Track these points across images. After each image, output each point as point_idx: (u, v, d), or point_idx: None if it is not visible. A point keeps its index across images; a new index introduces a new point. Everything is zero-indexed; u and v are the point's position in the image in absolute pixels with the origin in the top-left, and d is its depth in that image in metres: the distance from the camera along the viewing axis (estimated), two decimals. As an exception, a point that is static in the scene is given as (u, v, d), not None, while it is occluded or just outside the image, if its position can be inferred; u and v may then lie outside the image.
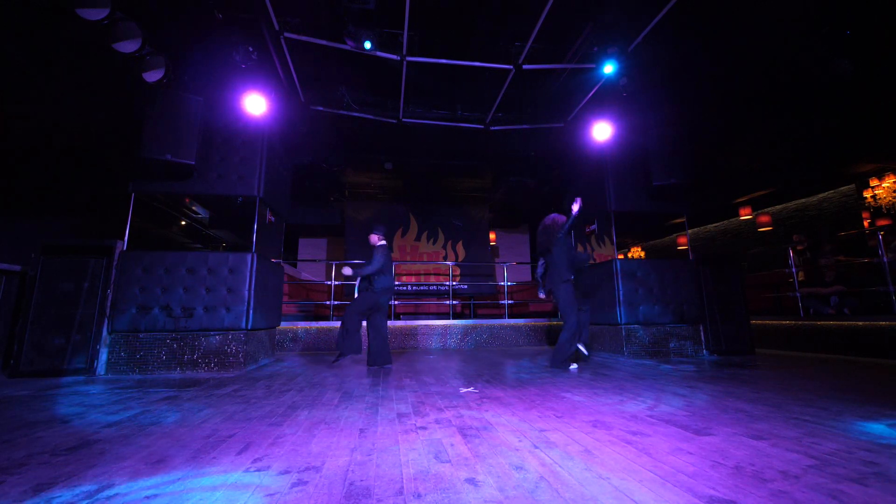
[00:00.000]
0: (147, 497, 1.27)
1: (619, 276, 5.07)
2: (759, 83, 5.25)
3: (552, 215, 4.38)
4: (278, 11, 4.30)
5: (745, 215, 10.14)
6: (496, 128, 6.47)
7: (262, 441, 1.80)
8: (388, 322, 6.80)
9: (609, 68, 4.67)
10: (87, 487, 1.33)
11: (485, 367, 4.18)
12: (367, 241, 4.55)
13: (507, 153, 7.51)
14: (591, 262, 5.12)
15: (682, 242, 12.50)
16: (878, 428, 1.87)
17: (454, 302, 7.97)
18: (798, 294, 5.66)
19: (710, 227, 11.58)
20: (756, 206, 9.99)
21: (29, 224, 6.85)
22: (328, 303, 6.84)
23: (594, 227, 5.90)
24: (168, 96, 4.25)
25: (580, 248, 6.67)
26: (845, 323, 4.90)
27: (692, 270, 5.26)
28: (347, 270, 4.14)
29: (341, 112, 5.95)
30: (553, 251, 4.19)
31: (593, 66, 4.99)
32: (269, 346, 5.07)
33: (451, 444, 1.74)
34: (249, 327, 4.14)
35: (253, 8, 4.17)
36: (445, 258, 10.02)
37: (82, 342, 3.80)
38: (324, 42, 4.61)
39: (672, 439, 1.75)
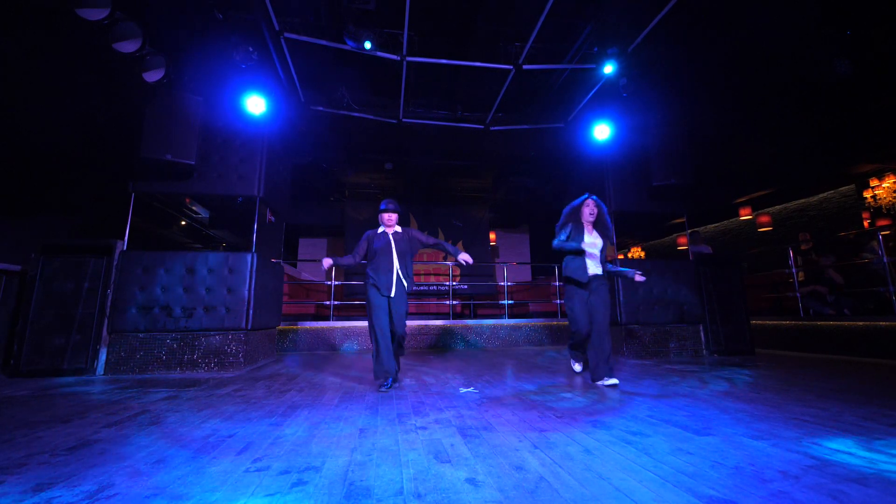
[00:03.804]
0: (147, 497, 1.27)
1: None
2: (759, 83, 5.25)
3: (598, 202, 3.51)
4: (278, 11, 4.30)
5: (745, 215, 10.13)
6: (496, 128, 6.47)
7: (262, 441, 1.80)
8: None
9: (609, 69, 4.67)
10: (87, 487, 1.33)
11: (485, 368, 4.18)
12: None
13: (507, 153, 7.51)
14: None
15: (682, 242, 12.50)
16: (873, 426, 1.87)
17: (454, 302, 7.97)
18: (798, 294, 5.66)
19: (710, 227, 11.58)
20: (756, 206, 9.98)
21: (29, 224, 6.85)
22: (328, 303, 6.84)
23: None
24: (168, 96, 4.25)
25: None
26: (845, 323, 4.90)
27: (692, 270, 5.26)
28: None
29: (341, 112, 5.95)
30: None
31: (593, 66, 4.99)
32: (269, 346, 5.07)
33: (452, 445, 1.73)
34: (249, 327, 4.14)
35: (253, 8, 4.18)
36: (445, 258, 10.02)
37: (82, 342, 3.80)
38: (324, 42, 4.61)
39: (672, 439, 1.75)
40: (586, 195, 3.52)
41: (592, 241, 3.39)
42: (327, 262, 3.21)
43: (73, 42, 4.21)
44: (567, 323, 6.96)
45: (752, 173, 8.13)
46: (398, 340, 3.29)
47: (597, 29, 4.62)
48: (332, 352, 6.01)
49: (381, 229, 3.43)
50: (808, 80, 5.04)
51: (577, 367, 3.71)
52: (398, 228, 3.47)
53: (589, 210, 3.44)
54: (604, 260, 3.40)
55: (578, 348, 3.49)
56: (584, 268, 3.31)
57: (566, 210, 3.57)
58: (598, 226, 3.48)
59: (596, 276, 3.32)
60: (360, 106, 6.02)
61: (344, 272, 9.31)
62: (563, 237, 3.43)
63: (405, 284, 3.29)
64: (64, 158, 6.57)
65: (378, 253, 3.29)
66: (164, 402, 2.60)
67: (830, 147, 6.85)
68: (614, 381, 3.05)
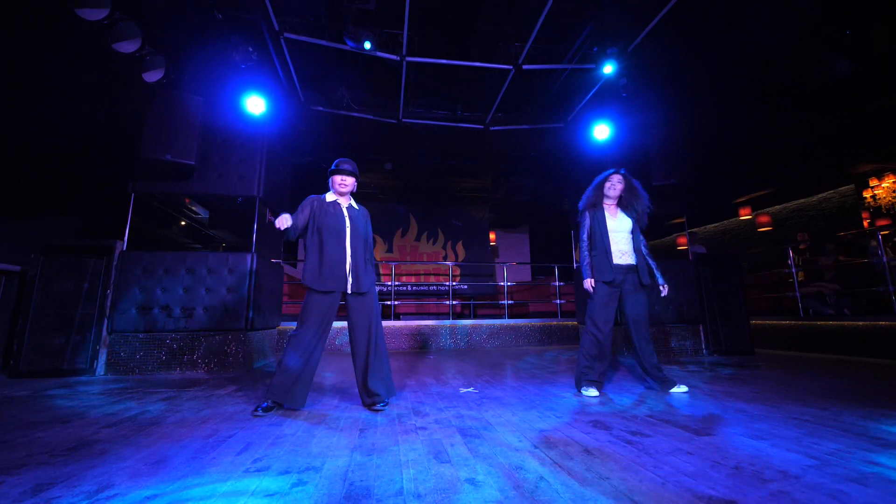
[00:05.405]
0: (147, 497, 1.26)
1: (619, 276, 5.06)
2: (759, 83, 5.25)
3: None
4: (278, 11, 4.30)
5: (745, 215, 10.13)
6: (496, 128, 6.48)
7: (261, 441, 1.80)
8: (389, 322, 6.69)
9: (609, 68, 4.67)
10: (87, 487, 1.33)
11: (484, 368, 4.18)
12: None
13: (507, 153, 7.52)
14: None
15: (682, 242, 12.49)
16: (879, 429, 1.87)
17: (454, 302, 7.97)
18: (798, 294, 5.66)
19: (710, 227, 11.57)
20: (756, 206, 9.98)
21: (29, 224, 6.85)
22: (328, 303, 6.83)
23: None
24: (168, 96, 4.25)
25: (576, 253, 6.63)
26: (845, 323, 4.90)
27: (692, 270, 5.26)
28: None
29: (341, 112, 5.96)
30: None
31: (593, 66, 4.99)
32: (269, 346, 5.07)
33: (451, 445, 1.73)
34: (249, 327, 4.14)
35: (253, 8, 4.18)
36: (445, 258, 10.01)
37: (82, 342, 3.80)
38: (324, 42, 4.61)
39: (672, 439, 1.75)
40: (611, 170, 2.92)
41: (615, 226, 2.84)
42: (284, 220, 2.27)
43: (73, 42, 4.21)
44: (571, 323, 6.99)
45: (752, 173, 8.13)
46: (374, 361, 2.38)
47: (597, 29, 4.62)
48: (331, 352, 6.01)
49: (330, 197, 2.52)
50: (808, 80, 5.04)
51: (593, 392, 2.71)
52: (353, 202, 2.57)
53: (610, 185, 2.87)
54: (637, 243, 2.86)
55: (594, 360, 2.76)
56: (608, 262, 2.75)
57: (584, 196, 2.99)
58: (623, 204, 2.94)
59: (627, 266, 2.80)
60: (360, 106, 6.02)
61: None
62: (584, 236, 2.90)
63: (361, 280, 2.40)
64: (64, 158, 6.56)
65: (325, 230, 2.40)
66: (164, 403, 2.60)
67: (830, 147, 6.86)
68: (684, 387, 2.76)
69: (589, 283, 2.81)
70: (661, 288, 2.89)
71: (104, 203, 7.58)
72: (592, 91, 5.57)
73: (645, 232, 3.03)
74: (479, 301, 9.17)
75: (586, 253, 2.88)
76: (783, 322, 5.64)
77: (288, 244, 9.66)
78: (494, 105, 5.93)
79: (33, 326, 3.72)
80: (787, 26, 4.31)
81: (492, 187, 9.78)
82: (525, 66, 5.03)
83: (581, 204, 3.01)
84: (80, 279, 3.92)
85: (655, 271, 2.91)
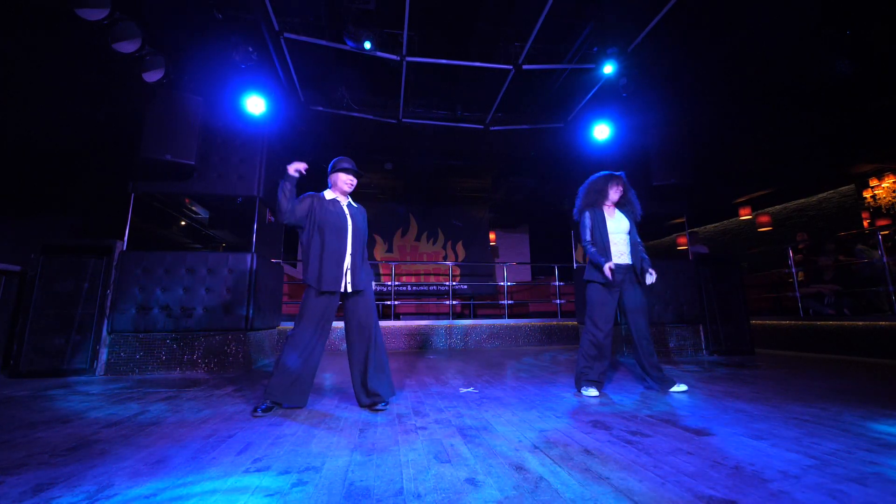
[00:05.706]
0: (147, 497, 1.26)
1: (619, 276, 5.05)
2: (759, 83, 5.26)
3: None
4: (278, 11, 4.30)
5: (745, 215, 10.14)
6: (496, 128, 6.47)
7: (261, 441, 1.80)
8: (388, 322, 6.71)
9: (609, 68, 4.67)
10: (87, 488, 1.33)
11: (484, 368, 4.18)
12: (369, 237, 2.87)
13: (507, 153, 7.52)
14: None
15: (682, 242, 12.49)
16: (880, 428, 1.87)
17: (454, 302, 7.97)
18: (798, 294, 5.66)
19: (710, 227, 11.57)
20: (756, 206, 9.99)
21: (29, 224, 6.84)
22: (328, 303, 6.82)
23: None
24: (168, 96, 4.25)
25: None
26: (845, 323, 4.90)
27: (692, 270, 5.26)
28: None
29: (341, 112, 5.96)
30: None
31: (593, 66, 4.99)
32: (269, 346, 5.07)
33: (451, 445, 1.73)
34: (249, 327, 4.14)
35: (252, 8, 4.18)
36: (445, 258, 10.01)
37: (82, 342, 3.80)
38: (324, 42, 4.61)
39: (672, 439, 1.75)
40: (607, 172, 2.97)
41: (614, 227, 2.90)
42: (300, 164, 2.45)
43: (73, 42, 4.21)
44: (571, 323, 6.98)
45: (752, 173, 8.13)
46: (374, 360, 2.38)
47: (597, 29, 4.62)
48: (331, 352, 6.01)
49: (331, 195, 2.51)
50: (808, 80, 5.04)
51: (593, 392, 2.73)
52: (351, 200, 2.58)
53: (617, 188, 2.94)
54: (634, 241, 2.95)
55: (594, 361, 2.77)
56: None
57: (582, 195, 3.01)
58: (621, 205, 3.02)
59: (626, 266, 2.86)
60: (360, 106, 6.02)
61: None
62: (588, 237, 2.90)
63: (360, 278, 2.39)
64: (64, 158, 6.57)
65: (326, 228, 2.37)
66: (164, 403, 2.60)
67: (830, 147, 6.86)
68: (684, 386, 2.79)
69: (609, 268, 2.71)
70: (648, 274, 2.85)
71: (104, 203, 7.58)
72: (592, 91, 5.57)
73: (639, 232, 3.08)
74: (478, 301, 9.17)
75: (592, 248, 2.87)
76: (783, 322, 5.64)
77: (288, 244, 9.66)
78: (494, 105, 5.93)
79: (33, 326, 3.72)
80: (787, 26, 4.31)
81: (492, 187, 9.78)
82: (525, 66, 5.03)
83: (578, 205, 3.02)
84: (80, 279, 3.92)
85: (646, 261, 2.92)
